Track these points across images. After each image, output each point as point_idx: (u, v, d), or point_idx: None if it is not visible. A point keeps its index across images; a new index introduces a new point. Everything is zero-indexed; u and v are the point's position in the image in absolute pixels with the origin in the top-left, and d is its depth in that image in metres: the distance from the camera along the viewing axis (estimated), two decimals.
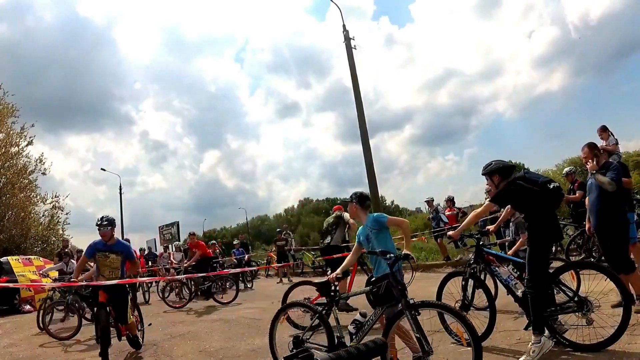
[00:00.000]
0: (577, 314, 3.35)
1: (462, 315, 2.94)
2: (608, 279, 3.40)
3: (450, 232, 4.19)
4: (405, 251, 3.22)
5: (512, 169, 3.70)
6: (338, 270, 3.51)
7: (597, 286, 3.48)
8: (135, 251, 10.57)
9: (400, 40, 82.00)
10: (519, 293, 3.66)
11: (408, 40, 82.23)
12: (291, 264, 12.97)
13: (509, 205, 4.35)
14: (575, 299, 3.37)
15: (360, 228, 3.57)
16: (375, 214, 3.55)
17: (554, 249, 6.71)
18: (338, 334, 3.25)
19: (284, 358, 0.79)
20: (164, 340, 5.78)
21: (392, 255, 3.08)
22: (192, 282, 9.16)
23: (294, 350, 0.89)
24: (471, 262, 4.01)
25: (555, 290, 3.49)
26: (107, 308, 4.46)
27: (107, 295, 4.51)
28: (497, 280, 4.15)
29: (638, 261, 4.54)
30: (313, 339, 3.42)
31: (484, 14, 74.51)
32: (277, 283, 11.74)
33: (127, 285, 4.76)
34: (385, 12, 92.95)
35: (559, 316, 3.45)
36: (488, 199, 3.89)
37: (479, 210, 3.94)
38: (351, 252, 3.69)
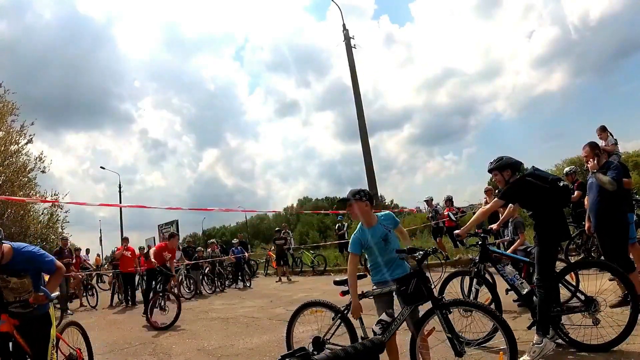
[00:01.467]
0: (583, 313, 3.32)
1: (498, 316, 2.77)
2: (605, 279, 3.39)
3: (457, 231, 4.14)
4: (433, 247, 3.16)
5: (520, 166, 3.66)
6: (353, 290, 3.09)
7: (593, 286, 3.49)
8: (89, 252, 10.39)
9: (400, 39, 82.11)
10: (524, 292, 3.61)
11: (408, 39, 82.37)
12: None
13: (514, 203, 4.30)
14: (583, 298, 3.35)
15: (364, 231, 3.11)
16: (386, 212, 3.31)
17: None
18: (362, 335, 3.10)
19: (282, 356, 0.78)
20: (162, 338, 5.78)
21: (421, 251, 2.89)
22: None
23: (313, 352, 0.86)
24: (476, 261, 3.98)
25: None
26: (11, 343, 2.90)
27: (16, 321, 2.93)
28: (495, 280, 4.15)
29: (637, 261, 4.53)
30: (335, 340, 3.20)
31: (483, 14, 74.59)
32: (276, 282, 11.73)
33: (48, 312, 3.16)
34: (386, 11, 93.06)
35: (562, 316, 3.42)
36: (495, 196, 3.84)
37: (486, 207, 3.91)
38: (351, 263, 3.17)
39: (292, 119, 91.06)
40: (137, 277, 11.05)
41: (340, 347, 0.87)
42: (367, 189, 3.25)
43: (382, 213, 3.24)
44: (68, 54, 68.07)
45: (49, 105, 62.42)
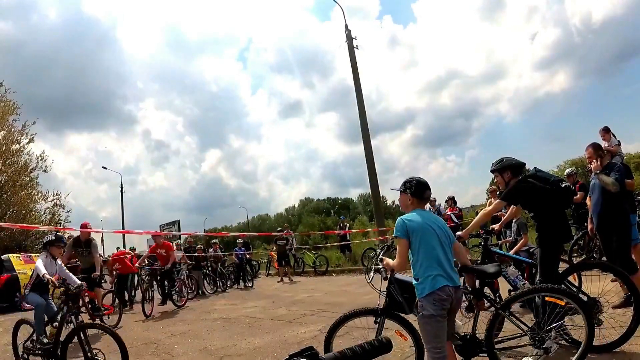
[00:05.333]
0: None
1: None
2: (608, 280, 3.38)
3: (459, 233, 4.14)
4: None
5: (522, 167, 3.66)
6: None
7: (595, 287, 3.48)
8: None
9: (403, 41, 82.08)
10: None
11: (410, 41, 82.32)
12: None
13: (517, 205, 4.29)
14: (585, 299, 3.34)
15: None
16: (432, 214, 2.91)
17: None
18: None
19: (289, 355, 0.79)
20: (164, 338, 5.78)
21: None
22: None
23: None
24: (478, 262, 3.97)
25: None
26: None
27: None
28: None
29: None
30: None
31: (487, 16, 74.54)
32: (278, 282, 11.74)
33: None
34: (389, 11, 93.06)
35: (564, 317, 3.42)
36: (497, 197, 3.84)
37: (488, 208, 3.90)
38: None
39: (295, 120, 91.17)
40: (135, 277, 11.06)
41: (348, 348, 0.88)
42: (420, 178, 2.74)
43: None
44: (72, 54, 68.29)
45: (52, 106, 62.56)
